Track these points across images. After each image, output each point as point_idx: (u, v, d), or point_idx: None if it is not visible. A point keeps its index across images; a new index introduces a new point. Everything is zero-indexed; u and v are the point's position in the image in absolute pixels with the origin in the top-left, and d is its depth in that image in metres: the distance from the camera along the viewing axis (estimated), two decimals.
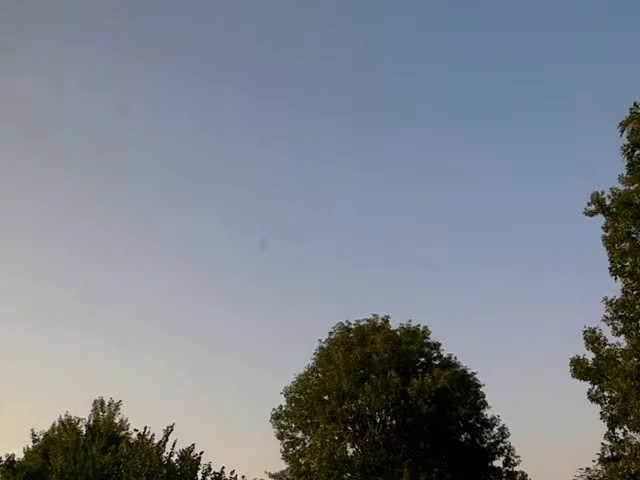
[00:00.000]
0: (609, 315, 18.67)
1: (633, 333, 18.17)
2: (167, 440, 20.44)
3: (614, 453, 18.81)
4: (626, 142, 18.62)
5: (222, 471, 20.88)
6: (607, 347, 18.59)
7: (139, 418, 23.22)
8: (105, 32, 64.74)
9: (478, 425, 29.50)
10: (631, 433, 18.50)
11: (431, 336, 30.51)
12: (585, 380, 18.95)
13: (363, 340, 29.71)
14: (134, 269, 66.37)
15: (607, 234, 18.96)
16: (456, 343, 38.06)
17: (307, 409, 28.98)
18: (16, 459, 22.97)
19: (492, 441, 29.35)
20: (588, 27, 64.73)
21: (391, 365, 28.22)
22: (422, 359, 30.16)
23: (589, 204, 19.24)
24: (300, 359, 31.79)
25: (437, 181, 67.89)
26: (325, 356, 30.14)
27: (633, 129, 18.35)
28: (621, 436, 18.89)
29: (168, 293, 64.15)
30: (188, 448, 20.63)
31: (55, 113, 67.84)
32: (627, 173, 18.77)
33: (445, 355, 30.37)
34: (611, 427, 18.87)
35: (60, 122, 67.00)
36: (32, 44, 62.75)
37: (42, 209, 64.59)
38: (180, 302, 62.33)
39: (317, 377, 30.06)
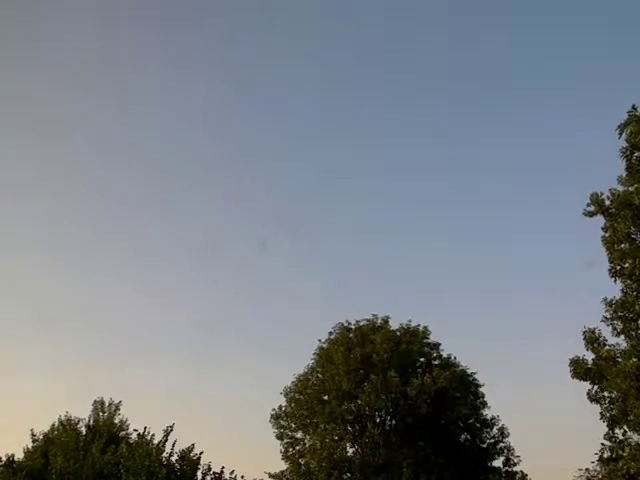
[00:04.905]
0: (609, 315, 18.69)
1: (633, 333, 18.18)
2: (167, 440, 20.47)
3: (613, 453, 18.82)
4: (625, 144, 18.67)
5: (222, 471, 20.93)
6: (607, 347, 18.60)
7: (139, 418, 23.24)
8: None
9: (478, 425, 29.52)
10: (631, 433, 18.50)
11: (431, 336, 30.59)
12: (585, 380, 18.97)
13: (363, 340, 29.73)
14: (133, 268, 66.44)
15: (607, 235, 19.00)
16: (456, 343, 38.03)
17: (307, 409, 29.00)
18: (16, 459, 22.94)
19: (492, 441, 29.37)
20: (588, 27, 64.65)
21: (391, 365, 28.24)
22: (422, 359, 30.16)
23: (588, 205, 19.28)
24: (300, 359, 31.81)
25: (436, 184, 67.81)
26: (325, 356, 30.16)
27: (631, 132, 18.38)
28: (621, 436, 18.91)
29: (167, 293, 64.16)
30: (188, 448, 20.67)
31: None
32: (626, 175, 18.80)
33: (445, 355, 30.44)
34: (611, 427, 18.87)
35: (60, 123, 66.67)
36: (32, 46, 62.73)
37: (41, 209, 64.49)
38: (180, 301, 62.33)
39: (317, 377, 30.08)
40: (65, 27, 63.81)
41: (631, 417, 17.48)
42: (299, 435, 29.61)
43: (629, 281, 18.37)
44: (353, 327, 30.80)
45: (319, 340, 31.04)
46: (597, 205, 19.06)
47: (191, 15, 67.74)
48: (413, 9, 65.89)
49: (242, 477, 21.30)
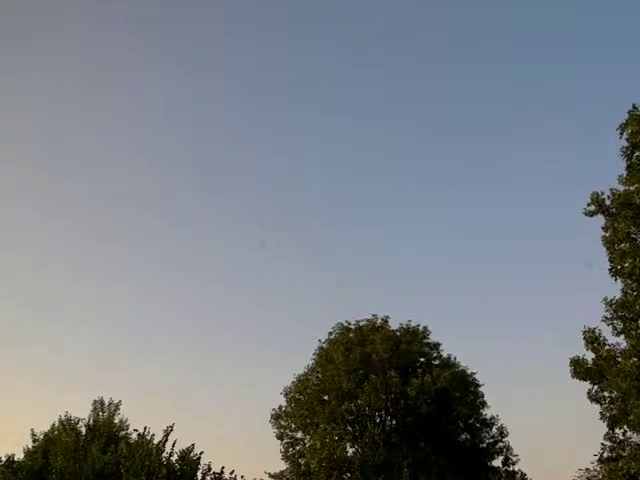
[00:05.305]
0: (609, 315, 18.69)
1: (633, 333, 18.17)
2: (167, 440, 20.48)
3: (613, 453, 18.82)
4: (625, 144, 18.66)
5: (222, 471, 20.95)
6: (607, 347, 18.59)
7: (139, 418, 23.21)
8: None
9: (477, 425, 29.54)
10: (631, 433, 18.51)
11: (431, 336, 30.61)
12: (585, 380, 18.96)
13: (363, 340, 29.73)
14: (134, 269, 66.43)
15: (607, 234, 18.98)
16: (456, 343, 38.08)
17: (307, 409, 29.00)
18: (16, 459, 22.92)
19: (491, 441, 29.40)
20: (588, 26, 64.71)
21: (391, 365, 28.24)
22: (422, 359, 30.17)
23: (589, 204, 19.25)
24: (300, 359, 31.82)
25: (436, 182, 67.85)
26: (325, 356, 30.16)
27: (632, 131, 18.38)
28: (621, 436, 18.91)
29: (167, 292, 64.17)
30: (188, 448, 20.69)
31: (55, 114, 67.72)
32: (627, 174, 18.79)
33: (445, 355, 30.44)
34: (611, 427, 18.87)
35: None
36: (32, 46, 62.72)
37: (43, 208, 64.57)
38: (180, 302, 62.34)
39: (317, 377, 30.08)
40: (65, 27, 63.89)
41: (631, 417, 17.46)
42: (299, 435, 29.62)
43: (629, 281, 18.36)
44: (353, 327, 30.80)
45: (319, 340, 31.11)
46: (597, 205, 19.03)
47: (191, 16, 67.84)
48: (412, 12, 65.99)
49: (242, 477, 21.36)
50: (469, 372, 30.10)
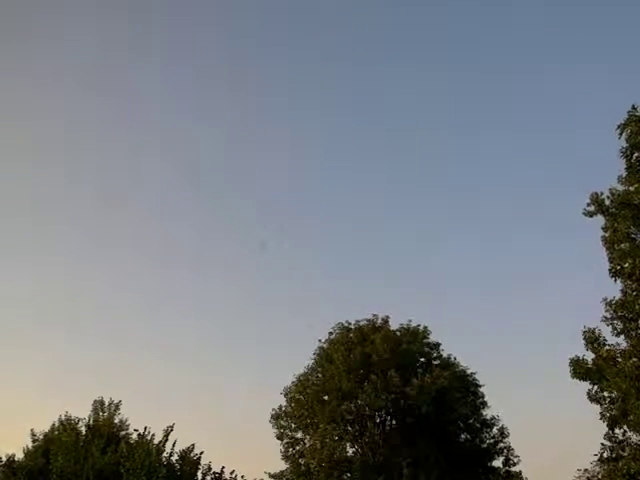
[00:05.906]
0: (608, 315, 18.67)
1: (632, 333, 18.16)
2: (167, 440, 20.52)
3: (613, 453, 18.81)
4: (625, 145, 18.65)
5: (222, 471, 20.99)
6: (607, 347, 18.58)
7: (139, 418, 23.21)
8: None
9: (478, 425, 29.54)
10: (631, 433, 18.49)
11: (431, 336, 30.63)
12: (585, 380, 18.94)
13: (363, 340, 29.75)
14: (134, 270, 66.40)
15: (606, 235, 18.96)
16: (456, 343, 38.10)
17: (307, 409, 29.01)
18: (16, 459, 22.95)
19: (492, 441, 29.39)
20: (588, 27, 64.70)
21: (391, 365, 28.26)
22: (422, 359, 30.20)
23: (588, 204, 19.21)
24: (300, 359, 31.84)
25: (436, 181, 67.90)
26: (325, 356, 30.18)
27: (631, 131, 18.36)
28: (621, 436, 18.90)
29: (167, 293, 64.18)
30: (188, 448, 20.73)
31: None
32: (626, 174, 18.78)
33: (445, 355, 30.46)
34: (611, 427, 18.86)
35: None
36: (32, 46, 62.69)
37: (43, 208, 64.53)
38: (180, 302, 62.38)
39: (317, 377, 30.10)
40: (65, 27, 63.82)
41: (631, 417, 17.46)
42: (299, 435, 29.65)
43: (629, 281, 18.34)
44: (353, 327, 30.82)
45: (319, 340, 31.14)
46: (597, 205, 18.99)
47: (191, 14, 67.88)
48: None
49: (242, 477, 21.40)
50: (469, 372, 30.15)
